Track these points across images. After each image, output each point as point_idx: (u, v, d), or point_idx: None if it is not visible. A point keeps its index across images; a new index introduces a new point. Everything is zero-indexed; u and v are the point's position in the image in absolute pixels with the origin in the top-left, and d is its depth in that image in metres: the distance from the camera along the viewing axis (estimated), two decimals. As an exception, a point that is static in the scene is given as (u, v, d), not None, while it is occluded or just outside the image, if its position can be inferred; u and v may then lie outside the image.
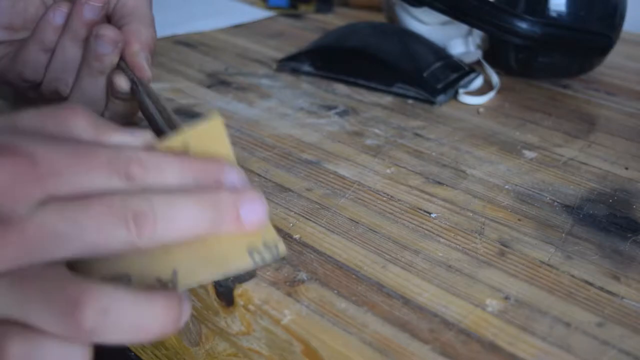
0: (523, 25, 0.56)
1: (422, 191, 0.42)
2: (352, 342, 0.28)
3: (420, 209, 0.39)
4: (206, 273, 0.23)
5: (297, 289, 0.31)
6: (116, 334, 0.20)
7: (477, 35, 0.65)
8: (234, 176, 0.24)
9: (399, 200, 0.40)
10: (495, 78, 0.61)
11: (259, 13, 0.83)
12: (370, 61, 0.59)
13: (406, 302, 0.31)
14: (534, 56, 0.60)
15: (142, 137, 0.24)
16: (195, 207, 0.22)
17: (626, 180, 0.45)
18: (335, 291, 0.31)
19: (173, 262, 0.23)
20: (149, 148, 0.24)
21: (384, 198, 0.40)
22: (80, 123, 0.23)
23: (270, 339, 0.31)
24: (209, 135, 0.25)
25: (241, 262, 0.24)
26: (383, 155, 0.46)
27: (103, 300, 0.20)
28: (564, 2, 0.58)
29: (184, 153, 0.24)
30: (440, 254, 0.35)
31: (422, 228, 0.37)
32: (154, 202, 0.21)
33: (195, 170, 0.24)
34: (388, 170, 0.44)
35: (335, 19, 0.84)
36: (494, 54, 0.64)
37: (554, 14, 0.58)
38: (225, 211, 0.23)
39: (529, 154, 0.48)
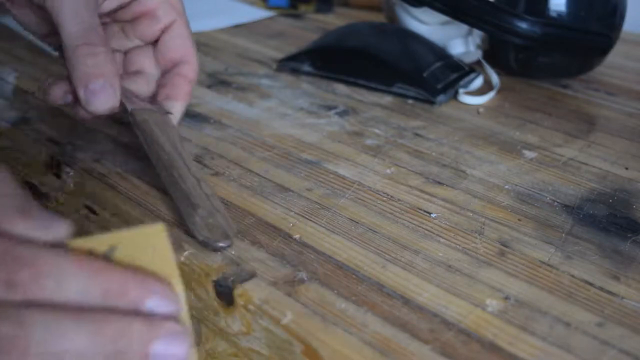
0: (523, 25, 0.56)
1: (422, 191, 0.42)
2: (352, 342, 0.28)
3: (420, 209, 0.39)
4: None
5: (297, 289, 0.31)
6: None
7: (477, 35, 0.65)
8: (158, 301, 0.19)
9: (399, 200, 0.40)
10: (495, 78, 0.61)
11: (259, 13, 0.83)
12: (370, 61, 0.58)
13: (406, 302, 0.31)
14: (534, 56, 0.60)
15: (55, 230, 0.19)
16: (89, 336, 0.18)
17: (626, 180, 0.45)
18: (335, 291, 0.31)
19: None
20: (59, 246, 0.19)
21: (384, 198, 0.40)
22: None
23: (270, 339, 0.31)
24: (146, 243, 0.21)
25: None
26: (383, 155, 0.46)
27: None
28: (564, 2, 0.58)
29: (103, 259, 0.20)
30: (440, 254, 0.35)
31: (422, 228, 0.37)
32: (29, 326, 0.17)
33: (108, 284, 0.19)
34: (388, 170, 0.44)
35: (335, 19, 0.84)
36: (494, 54, 0.64)
37: (554, 14, 0.58)
38: (131, 347, 0.18)
39: (529, 154, 0.48)
